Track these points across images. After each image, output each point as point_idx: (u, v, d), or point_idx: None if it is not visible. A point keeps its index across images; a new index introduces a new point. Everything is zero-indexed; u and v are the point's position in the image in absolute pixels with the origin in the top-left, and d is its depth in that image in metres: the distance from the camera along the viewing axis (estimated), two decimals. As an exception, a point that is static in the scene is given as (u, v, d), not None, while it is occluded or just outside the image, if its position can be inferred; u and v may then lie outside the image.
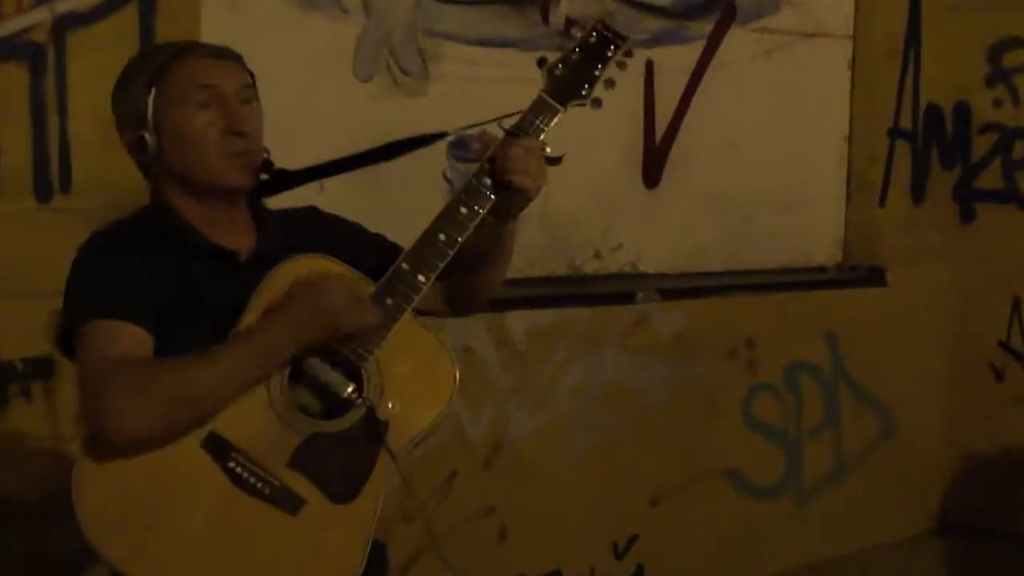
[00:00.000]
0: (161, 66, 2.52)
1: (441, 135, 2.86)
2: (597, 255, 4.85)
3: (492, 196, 2.57)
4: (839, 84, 5.42)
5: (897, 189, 5.53)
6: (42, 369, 3.60)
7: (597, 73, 2.67)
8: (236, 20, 3.98)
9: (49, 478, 3.55)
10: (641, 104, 4.91)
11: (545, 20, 4.60)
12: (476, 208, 2.57)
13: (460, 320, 4.25)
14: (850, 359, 5.34)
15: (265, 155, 2.60)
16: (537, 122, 2.61)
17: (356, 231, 2.78)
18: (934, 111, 5.61)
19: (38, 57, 3.65)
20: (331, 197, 4.11)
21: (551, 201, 4.57)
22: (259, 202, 2.68)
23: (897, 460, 5.54)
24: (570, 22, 4.61)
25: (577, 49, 2.68)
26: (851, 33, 5.37)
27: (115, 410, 2.30)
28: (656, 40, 4.90)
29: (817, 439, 5.31)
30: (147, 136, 2.51)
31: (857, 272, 5.48)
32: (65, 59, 3.67)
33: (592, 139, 4.72)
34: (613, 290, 4.81)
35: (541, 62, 2.67)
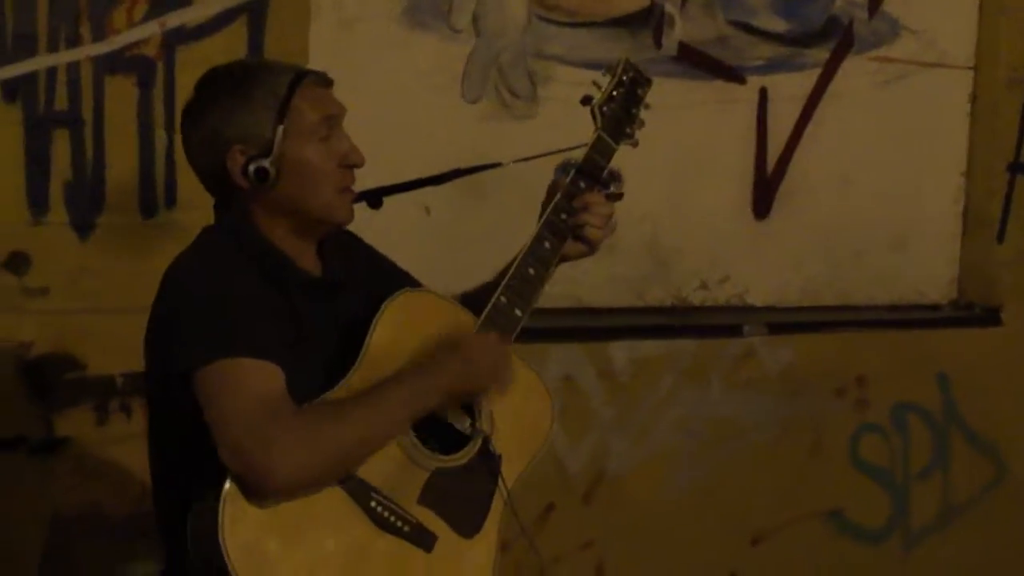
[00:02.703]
0: (287, 95, 2.47)
1: (497, 165, 2.86)
2: (704, 286, 4.76)
3: (567, 236, 2.66)
4: (958, 116, 5.29)
5: (1016, 226, 5.37)
6: (142, 384, 3.58)
7: (635, 112, 2.76)
8: (345, 38, 3.97)
9: (146, 494, 3.54)
10: (753, 133, 4.82)
11: (658, 44, 4.54)
12: (557, 244, 2.65)
13: (562, 349, 4.25)
14: (962, 401, 5.19)
15: None
16: (600, 161, 2.70)
17: (395, 268, 2.80)
18: (1056, 146, 5.47)
19: (147, 71, 3.66)
20: (437, 220, 4.12)
21: (659, 230, 4.51)
22: None
23: (1009, 507, 5.38)
24: (683, 47, 4.55)
25: (619, 87, 2.75)
26: (973, 64, 5.24)
27: (289, 459, 2.27)
28: (771, 67, 4.81)
29: (925, 483, 5.17)
30: (268, 167, 2.46)
31: (971, 311, 5.33)
32: (174, 74, 3.67)
33: (702, 167, 4.66)
34: (719, 322, 4.73)
35: (586, 100, 2.74)
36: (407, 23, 4.10)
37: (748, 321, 4.74)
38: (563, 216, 2.65)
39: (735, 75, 4.72)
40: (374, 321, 2.47)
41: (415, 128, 4.04)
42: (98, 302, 3.49)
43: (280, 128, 2.45)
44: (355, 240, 2.76)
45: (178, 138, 3.58)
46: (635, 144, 2.77)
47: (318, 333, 2.47)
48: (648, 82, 2.79)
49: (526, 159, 2.80)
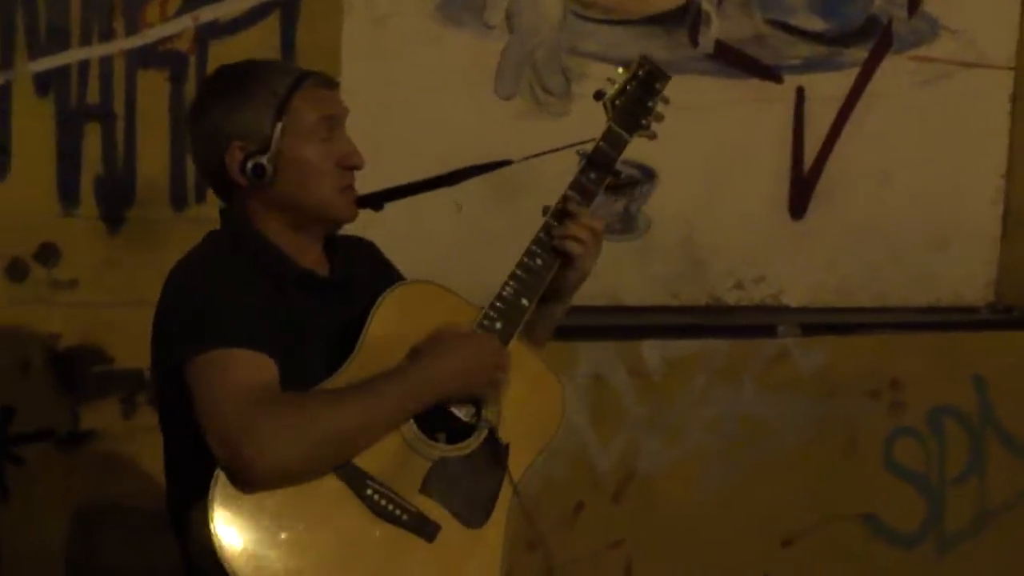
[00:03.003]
0: (286, 95, 2.50)
1: (506, 163, 2.84)
2: (739, 285, 4.74)
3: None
4: (998, 117, 5.24)
5: (1057, 228, 5.34)
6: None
7: (651, 105, 2.74)
8: (378, 34, 3.97)
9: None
10: (790, 132, 4.80)
11: (694, 42, 4.52)
12: None
13: (594, 347, 4.23)
14: (999, 404, 5.14)
15: None
16: (611, 152, 2.68)
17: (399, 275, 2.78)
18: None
19: (179, 66, 3.67)
20: (468, 217, 4.10)
21: (694, 229, 4.48)
22: None
23: (1045, 512, 5.35)
24: (720, 45, 4.52)
25: (632, 81, 2.73)
26: (1014, 64, 5.20)
27: (270, 447, 2.27)
28: (808, 66, 4.79)
29: (961, 487, 5.12)
30: (265, 164, 2.48)
31: (1010, 314, 5.29)
32: (206, 68, 3.67)
33: (738, 166, 4.63)
34: (754, 322, 4.71)
35: (598, 95, 2.74)
36: (440, 19, 4.09)
37: (782, 322, 4.71)
38: (569, 204, 2.64)
39: (772, 74, 4.70)
40: (372, 311, 2.48)
41: (447, 125, 4.03)
42: (127, 295, 3.48)
43: (279, 126, 2.48)
44: (370, 248, 2.79)
45: None
46: (652, 136, 2.75)
47: (317, 329, 2.48)
48: (665, 76, 2.77)
49: (536, 156, 2.79)
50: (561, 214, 2.63)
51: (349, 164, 2.55)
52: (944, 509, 5.09)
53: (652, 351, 4.39)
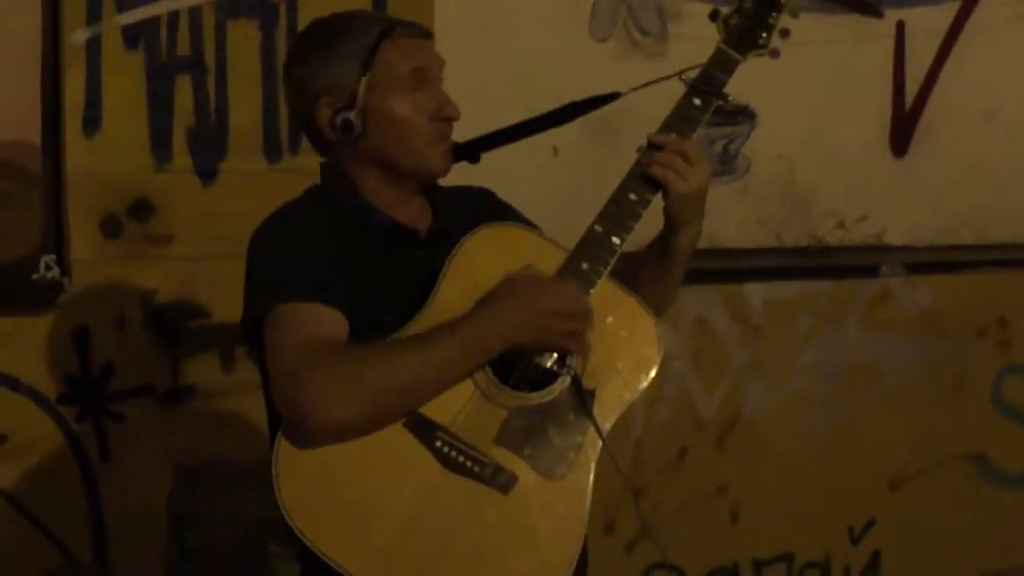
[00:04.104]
0: (372, 47, 2.46)
1: (615, 95, 2.72)
2: (841, 225, 4.66)
3: None
4: (1103, 47, 5.13)
5: None
6: None
7: (772, 21, 2.61)
8: (472, -22, 3.91)
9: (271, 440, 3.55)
10: (890, 68, 4.70)
11: (793, -22, 4.43)
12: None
13: (695, 291, 4.18)
14: (1111, 340, 5.07)
15: None
16: (720, 75, 2.55)
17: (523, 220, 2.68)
18: None
19: (269, 15, 3.65)
20: (564, 160, 4.06)
21: (795, 168, 4.41)
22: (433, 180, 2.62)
23: None
24: (814, -21, 4.44)
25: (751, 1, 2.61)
26: (1119, -9, 5.08)
27: (321, 399, 2.24)
28: (908, 0, 4.68)
29: (1072, 426, 5.06)
30: (353, 119, 2.46)
31: (1118, 246, 5.19)
32: (296, 16, 3.65)
33: (837, 104, 4.55)
34: (856, 263, 4.63)
35: (714, 15, 2.64)
36: (535, -37, 4.03)
37: (886, 261, 4.64)
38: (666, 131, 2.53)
39: (872, 9, 4.60)
40: (449, 258, 2.42)
41: (542, 68, 3.98)
42: (223, 248, 3.47)
43: (364, 79, 2.45)
44: (484, 196, 2.72)
45: None
46: (772, 53, 2.62)
47: (403, 282, 2.43)
48: None
49: (648, 84, 2.69)
50: (658, 144, 2.51)
51: (443, 116, 2.50)
52: (1055, 449, 5.04)
53: (754, 294, 4.37)
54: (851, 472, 4.60)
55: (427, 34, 2.56)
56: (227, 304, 3.54)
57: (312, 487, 2.27)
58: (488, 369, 2.36)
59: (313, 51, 2.52)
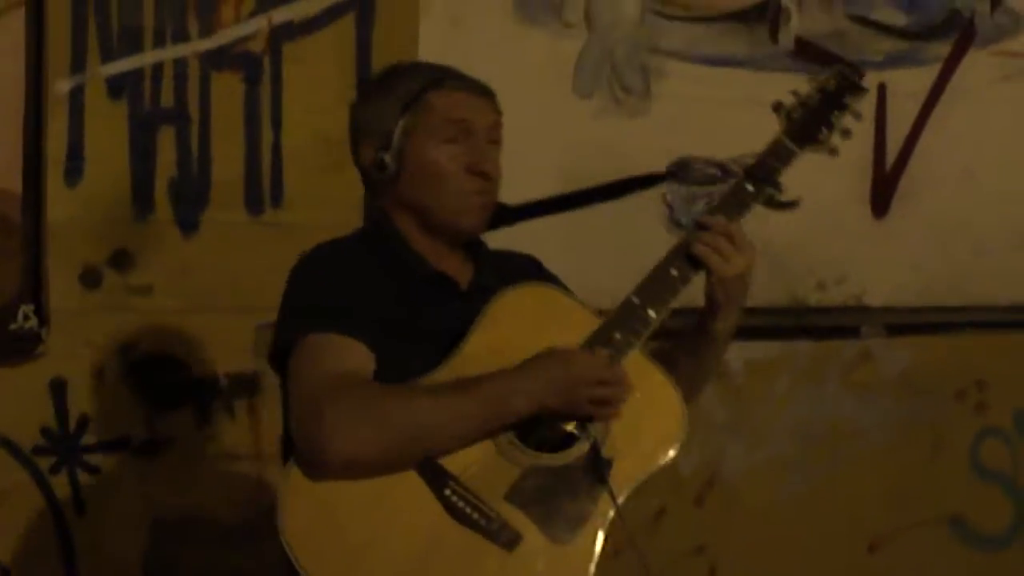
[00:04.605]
0: (417, 92, 2.50)
1: (661, 177, 2.75)
2: (820, 286, 4.67)
3: None
4: (1085, 112, 5.16)
5: None
6: (246, 386, 3.61)
7: (834, 120, 2.64)
8: (455, 34, 3.91)
9: (251, 497, 3.52)
10: (872, 128, 4.72)
11: (774, 39, 4.45)
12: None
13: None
14: (1086, 404, 5.08)
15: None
16: (775, 164, 2.62)
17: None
18: None
19: (254, 67, 3.64)
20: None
21: (773, 228, 4.40)
22: (478, 238, 2.63)
23: None
24: (800, 41, 4.46)
25: (816, 93, 2.65)
26: (1099, 58, 5.11)
27: (341, 433, 2.25)
28: (890, 62, 4.71)
29: (1049, 489, 5.07)
30: (387, 160, 2.49)
31: (1096, 312, 5.20)
32: (281, 70, 3.65)
33: (818, 164, 4.54)
34: (836, 323, 4.64)
35: (777, 106, 2.67)
36: (519, 18, 4.03)
37: (866, 322, 4.66)
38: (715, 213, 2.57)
39: (854, 70, 4.61)
40: (481, 312, 2.43)
41: (525, 124, 3.95)
42: (202, 301, 3.46)
43: (402, 122, 2.48)
44: (530, 263, 2.73)
45: (284, 136, 3.63)
46: (831, 151, 2.68)
47: (434, 330, 2.43)
48: (861, 90, 2.68)
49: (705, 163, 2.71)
50: (705, 224, 2.53)
51: (477, 170, 2.50)
52: (1032, 512, 5.05)
53: (734, 353, 4.29)
54: (830, 533, 4.58)
55: (484, 91, 2.60)
56: (205, 357, 3.55)
57: (315, 524, 2.27)
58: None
59: (368, 92, 2.61)
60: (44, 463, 3.53)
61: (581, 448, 2.37)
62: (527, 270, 2.68)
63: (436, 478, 2.30)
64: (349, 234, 2.60)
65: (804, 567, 4.54)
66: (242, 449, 3.60)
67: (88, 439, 3.55)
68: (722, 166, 4.28)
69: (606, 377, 2.37)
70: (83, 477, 3.55)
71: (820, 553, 4.57)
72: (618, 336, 2.41)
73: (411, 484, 2.30)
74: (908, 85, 4.77)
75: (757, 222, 4.39)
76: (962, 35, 4.88)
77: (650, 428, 2.45)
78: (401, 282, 2.48)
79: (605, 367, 2.38)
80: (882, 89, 4.70)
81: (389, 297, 2.44)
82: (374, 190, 2.59)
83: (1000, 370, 4.89)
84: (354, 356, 2.34)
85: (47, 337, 3.48)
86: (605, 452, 2.37)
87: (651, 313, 2.44)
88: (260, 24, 3.63)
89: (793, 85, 4.40)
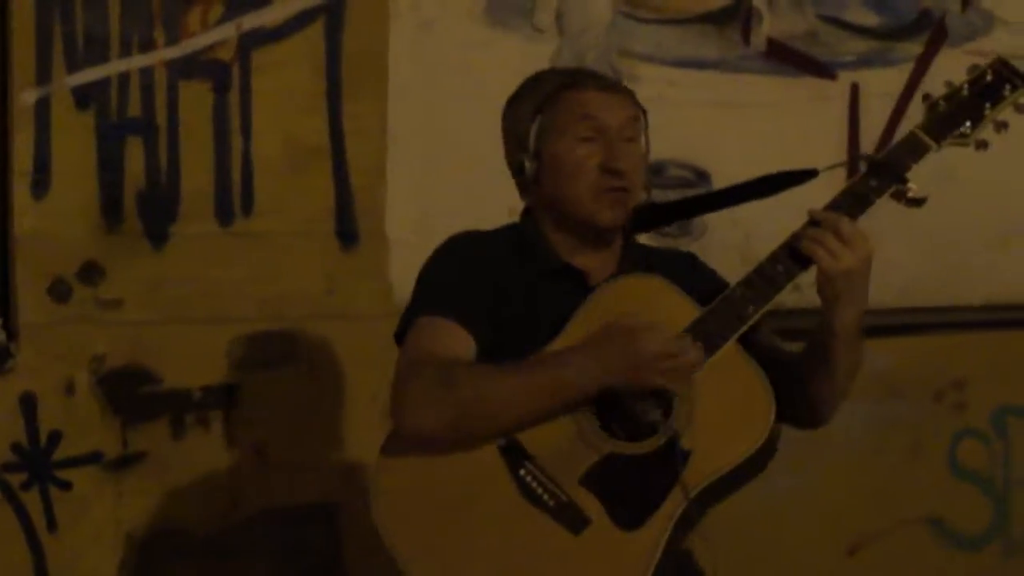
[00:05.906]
0: (550, 93, 2.56)
1: (813, 172, 2.78)
2: (796, 288, 4.63)
3: None
4: (1058, 110, 5.16)
5: (1123, 225, 5.25)
6: (220, 398, 3.59)
7: (986, 112, 2.58)
8: (425, 39, 3.91)
9: (226, 511, 3.50)
10: (845, 130, 4.71)
11: (746, 40, 4.45)
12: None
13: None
14: (1064, 403, 5.08)
15: (645, 195, 2.59)
16: (906, 159, 2.60)
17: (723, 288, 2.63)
18: None
19: (223, 76, 3.61)
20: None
21: (751, 230, 4.41)
22: (631, 236, 2.66)
23: (1114, 514, 5.26)
24: (772, 43, 4.45)
25: (967, 85, 2.60)
26: (1070, 56, 5.11)
27: (409, 402, 2.38)
28: (862, 62, 4.71)
29: (1027, 489, 5.06)
30: (526, 162, 2.53)
31: (1073, 311, 5.20)
32: (250, 78, 3.62)
33: (793, 165, 4.54)
34: (813, 326, 4.59)
35: (926, 97, 2.65)
36: (489, 23, 4.03)
37: (842, 324, 4.62)
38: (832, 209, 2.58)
39: (826, 71, 4.62)
40: (585, 300, 2.47)
41: (497, 130, 3.95)
42: (173, 312, 3.44)
43: (535, 123, 2.56)
44: (683, 259, 2.76)
45: (254, 144, 3.61)
46: (977, 146, 2.63)
47: (548, 316, 2.47)
48: (1020, 83, 2.61)
49: (840, 165, 2.69)
50: (816, 219, 2.52)
51: (609, 167, 2.52)
52: (1010, 511, 5.03)
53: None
54: (810, 535, 4.58)
55: (617, 89, 2.63)
56: (177, 369, 3.52)
57: (401, 495, 2.40)
58: (591, 411, 2.40)
59: (511, 99, 2.67)
60: (15, 480, 3.51)
61: (660, 438, 2.40)
62: (681, 266, 2.69)
63: (515, 457, 2.38)
64: (495, 228, 2.66)
65: (784, 568, 4.54)
66: (217, 462, 3.57)
67: (59, 454, 3.52)
68: (694, 167, 4.28)
69: (671, 349, 2.36)
70: (55, 493, 3.53)
71: (800, 554, 4.56)
72: (714, 328, 2.43)
73: (490, 460, 2.38)
74: (881, 85, 4.76)
75: (733, 224, 4.42)
76: (933, 34, 4.87)
77: (734, 423, 2.45)
78: (529, 273, 2.55)
79: (668, 339, 2.37)
80: (855, 89, 4.70)
81: (512, 288, 2.52)
82: (520, 191, 2.64)
83: (978, 370, 4.88)
84: (452, 339, 2.44)
85: (16, 352, 3.46)
86: (684, 444, 2.39)
87: (751, 308, 2.49)
88: (228, 32, 3.61)
89: (766, 87, 4.46)
